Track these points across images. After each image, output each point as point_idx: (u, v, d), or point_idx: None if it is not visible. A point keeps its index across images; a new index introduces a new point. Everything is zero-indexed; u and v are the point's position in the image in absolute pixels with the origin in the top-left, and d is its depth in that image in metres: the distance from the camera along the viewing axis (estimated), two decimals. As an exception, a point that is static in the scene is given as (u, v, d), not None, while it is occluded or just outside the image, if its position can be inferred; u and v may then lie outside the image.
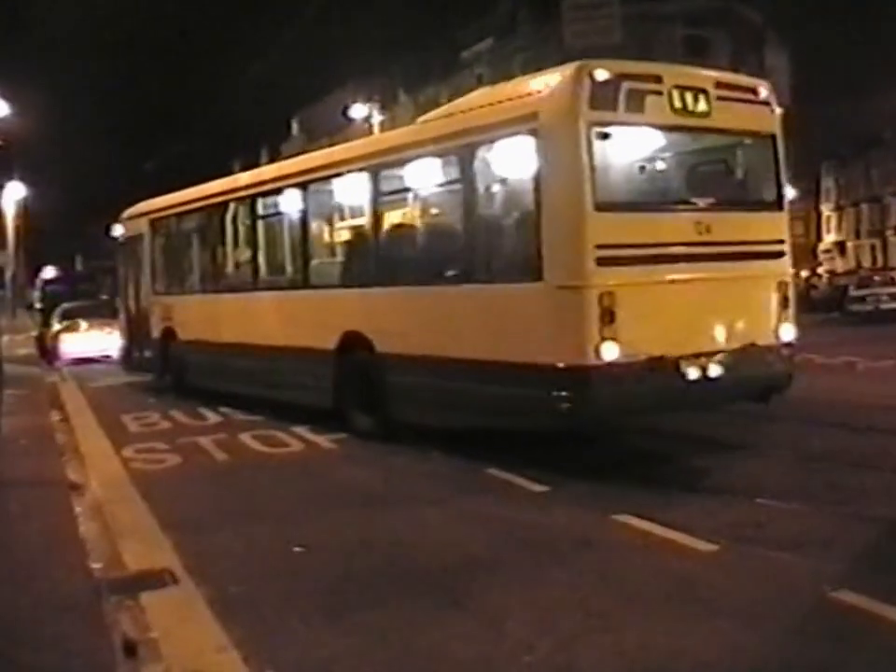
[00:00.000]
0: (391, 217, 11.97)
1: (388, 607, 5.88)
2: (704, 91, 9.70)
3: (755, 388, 10.22)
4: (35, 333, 31.27)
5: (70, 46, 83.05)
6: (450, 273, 10.62)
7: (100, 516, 8.13)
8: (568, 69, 9.31)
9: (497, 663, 5.04)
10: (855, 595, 5.61)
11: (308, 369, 12.64)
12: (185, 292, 17.35)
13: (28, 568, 6.36)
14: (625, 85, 9.19)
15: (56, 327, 25.37)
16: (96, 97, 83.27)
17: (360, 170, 12.00)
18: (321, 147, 14.00)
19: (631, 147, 9.95)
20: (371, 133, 37.48)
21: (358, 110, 43.64)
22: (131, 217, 19.82)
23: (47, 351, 26.06)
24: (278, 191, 14.07)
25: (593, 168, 8.98)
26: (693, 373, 9.37)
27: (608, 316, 8.84)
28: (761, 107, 10.35)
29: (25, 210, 53.43)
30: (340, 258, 13.24)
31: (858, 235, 78.30)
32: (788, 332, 10.30)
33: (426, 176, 11.12)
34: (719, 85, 9.94)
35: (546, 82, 9.62)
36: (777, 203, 10.56)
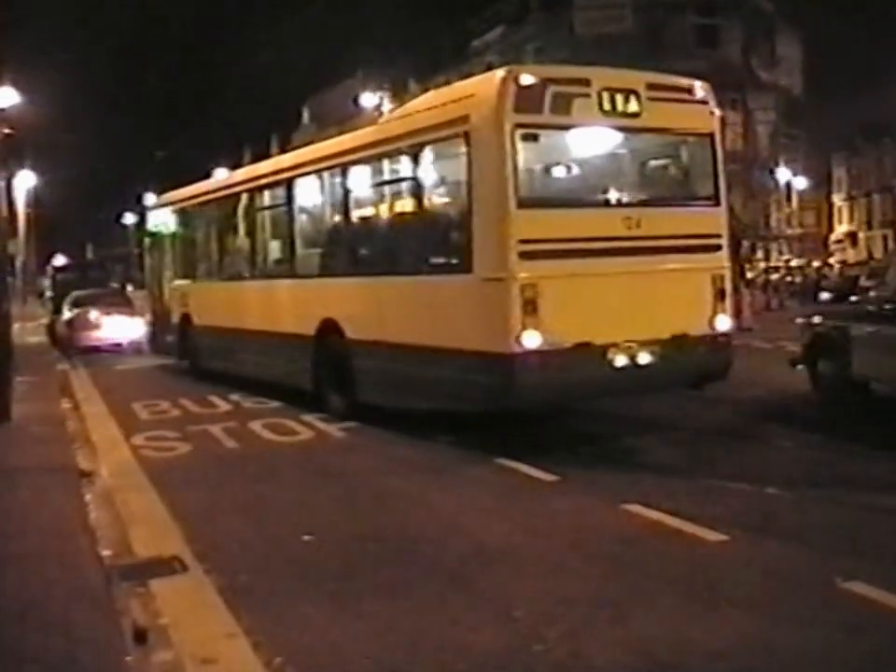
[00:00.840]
0: (355, 212, 12.67)
1: (398, 595, 5.89)
2: (635, 93, 10.15)
3: (688, 376, 10.70)
4: (45, 321, 31.35)
5: (80, 34, 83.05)
6: (401, 264, 11.34)
7: (110, 504, 8.16)
8: (496, 74, 9.85)
9: (506, 651, 5.04)
10: (866, 586, 5.60)
11: (292, 353, 13.46)
12: (197, 280, 18.51)
13: (39, 555, 6.38)
14: (552, 89, 9.69)
15: (67, 315, 25.38)
16: (107, 86, 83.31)
17: (329, 168, 12.96)
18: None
19: (558, 147, 10.54)
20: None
21: (369, 99, 43.56)
22: (155, 207, 21.49)
23: (58, 339, 26.10)
24: (263, 188, 15.31)
25: (516, 168, 9.54)
26: (620, 361, 9.89)
27: (530, 306, 9.38)
28: (698, 107, 10.74)
29: (36, 198, 53.58)
30: (317, 249, 13.89)
31: (870, 226, 77.95)
32: (723, 323, 10.67)
33: (382, 175, 12.01)
34: (651, 86, 10.36)
35: (477, 86, 10.31)
36: (714, 199, 10.91)
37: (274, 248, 15.33)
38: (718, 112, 10.98)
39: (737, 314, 30.10)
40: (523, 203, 9.53)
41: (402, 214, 11.58)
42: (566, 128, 10.16)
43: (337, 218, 13.13)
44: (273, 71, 61.94)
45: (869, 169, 78.07)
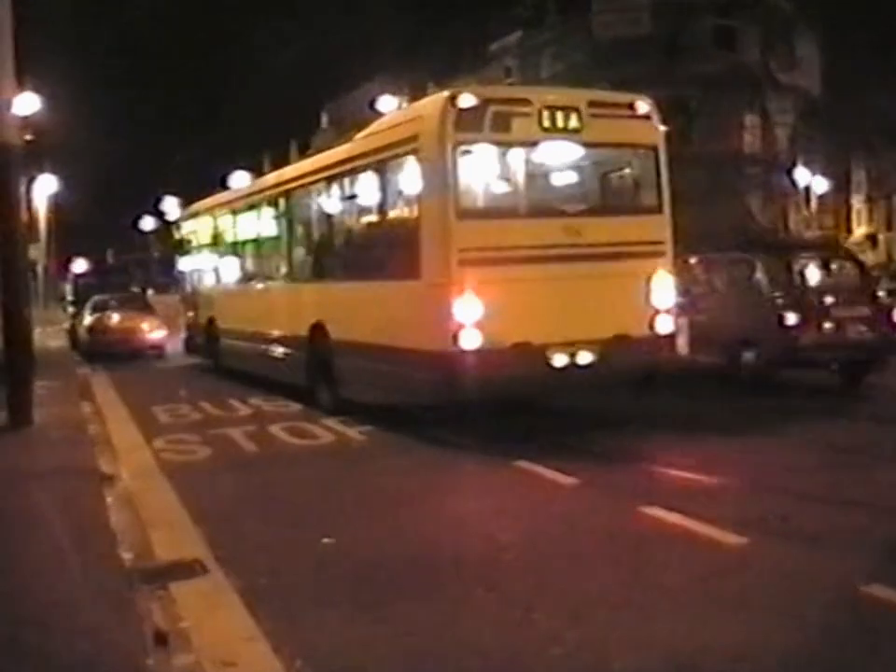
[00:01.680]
0: (335, 221, 13.80)
1: (418, 597, 5.89)
2: (576, 110, 10.92)
3: (629, 375, 11.34)
4: (66, 326, 31.50)
5: (100, 40, 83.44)
6: (368, 270, 12.38)
7: (131, 506, 8.19)
8: (440, 96, 10.69)
9: (525, 654, 5.04)
10: (888, 590, 5.58)
11: (291, 352, 14.70)
12: (217, 285, 20.01)
13: (60, 558, 6.41)
14: (492, 108, 10.50)
15: (88, 319, 25.48)
16: (126, 91, 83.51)
17: (313, 182, 14.31)
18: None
19: (499, 162, 11.18)
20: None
21: (387, 102, 43.62)
22: (185, 216, 23.78)
23: (78, 343, 26.21)
24: (262, 200, 16.89)
25: (457, 182, 10.42)
26: (560, 360, 10.59)
27: (470, 310, 10.16)
28: (641, 122, 11.43)
29: (56, 203, 53.84)
30: (308, 256, 15.05)
31: (889, 227, 77.45)
32: (665, 325, 11.29)
33: (354, 188, 12.97)
34: (593, 104, 11.16)
35: (425, 108, 11.23)
36: (658, 208, 11.58)
37: (274, 255, 16.62)
38: (662, 127, 11.63)
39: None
40: (463, 215, 10.39)
41: (369, 224, 12.72)
42: (507, 144, 10.92)
43: (321, 228, 14.30)
44: (291, 75, 62.08)
45: (889, 171, 77.45)
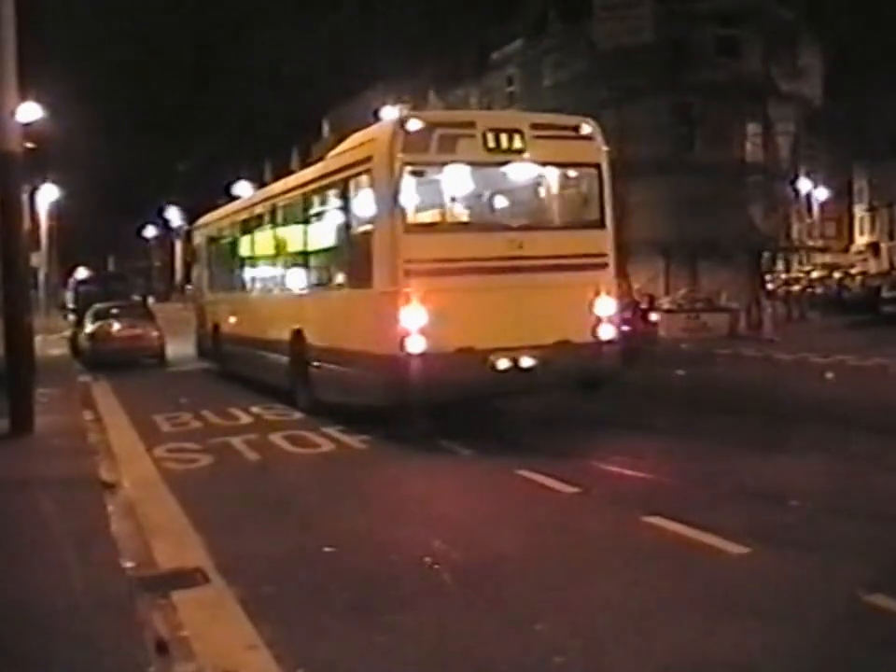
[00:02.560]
0: (311, 234, 14.55)
1: (419, 607, 5.89)
2: (519, 132, 11.66)
3: (572, 378, 11.99)
4: (67, 334, 31.46)
5: (102, 49, 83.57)
6: (333, 280, 13.51)
7: (132, 515, 8.19)
8: (390, 121, 11.73)
9: (527, 664, 5.03)
10: (890, 599, 5.57)
11: (276, 356, 15.42)
12: (220, 293, 21.06)
13: (61, 566, 6.41)
14: (438, 131, 11.31)
15: (89, 327, 25.45)
16: (128, 99, 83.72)
17: (293, 198, 15.26)
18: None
19: (445, 181, 12.13)
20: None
21: (389, 111, 43.69)
22: (197, 227, 24.75)
23: (80, 351, 26.19)
24: (253, 215, 17.89)
25: (405, 199, 11.21)
26: (502, 364, 11.27)
27: (415, 316, 10.90)
28: (583, 142, 12.15)
29: (58, 212, 53.92)
30: (289, 267, 15.82)
31: (891, 236, 77.45)
32: (607, 331, 11.93)
33: (323, 204, 13.91)
34: (535, 126, 11.94)
35: (377, 131, 12.22)
36: (600, 222, 12.24)
37: (263, 266, 17.74)
38: (605, 147, 12.28)
39: (758, 325, 30.25)
40: (409, 229, 11.26)
41: (336, 237, 13.43)
42: (453, 164, 11.72)
43: (300, 240, 15.00)
44: (293, 83, 62.21)
45: (891, 179, 77.49)
